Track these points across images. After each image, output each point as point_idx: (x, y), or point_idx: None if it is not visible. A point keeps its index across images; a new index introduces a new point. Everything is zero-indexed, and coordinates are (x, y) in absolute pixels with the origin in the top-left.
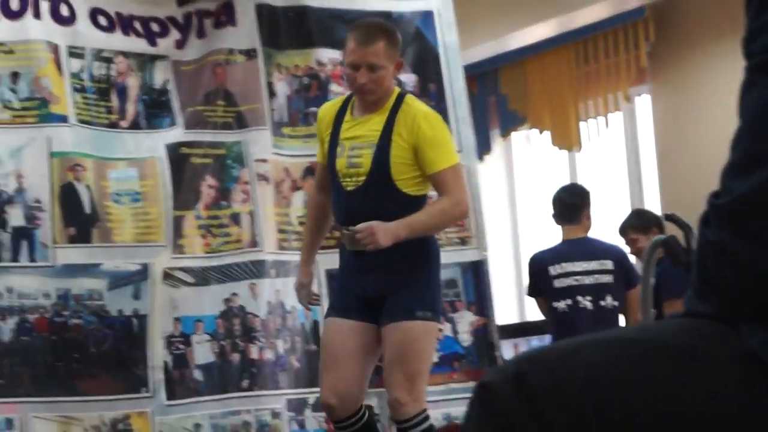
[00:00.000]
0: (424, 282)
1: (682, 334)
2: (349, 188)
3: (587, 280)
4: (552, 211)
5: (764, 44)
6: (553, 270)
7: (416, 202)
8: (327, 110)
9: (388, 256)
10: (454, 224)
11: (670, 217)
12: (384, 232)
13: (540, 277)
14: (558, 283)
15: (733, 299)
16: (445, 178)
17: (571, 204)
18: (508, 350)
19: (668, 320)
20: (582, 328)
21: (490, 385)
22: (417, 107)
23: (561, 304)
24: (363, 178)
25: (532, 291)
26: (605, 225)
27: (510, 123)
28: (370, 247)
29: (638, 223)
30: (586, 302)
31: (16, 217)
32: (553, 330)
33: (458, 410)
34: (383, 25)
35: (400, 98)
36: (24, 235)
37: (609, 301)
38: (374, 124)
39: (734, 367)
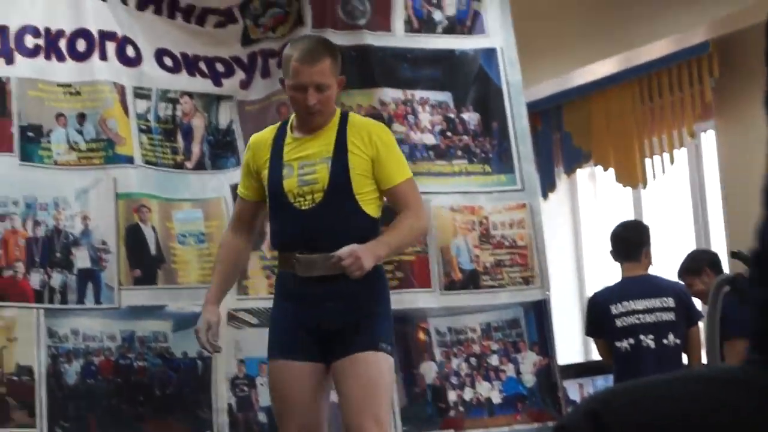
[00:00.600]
0: (383, 312)
1: (753, 374)
2: (303, 208)
3: (649, 318)
4: (610, 248)
5: None
6: (615, 309)
7: (374, 224)
8: (261, 138)
9: (346, 284)
10: (417, 242)
11: (736, 255)
12: (368, 254)
13: (601, 317)
14: (620, 322)
15: None
16: (405, 192)
17: (631, 241)
18: (572, 390)
19: (735, 363)
20: (645, 367)
21: (568, 428)
22: (367, 121)
23: (623, 344)
24: (320, 194)
25: (592, 331)
26: (671, 263)
27: (574, 160)
28: (357, 274)
29: (690, 266)
30: (648, 341)
31: (81, 258)
32: (616, 370)
33: None
34: (324, 41)
35: (345, 115)
36: (90, 276)
37: (671, 338)
38: (324, 141)
39: None
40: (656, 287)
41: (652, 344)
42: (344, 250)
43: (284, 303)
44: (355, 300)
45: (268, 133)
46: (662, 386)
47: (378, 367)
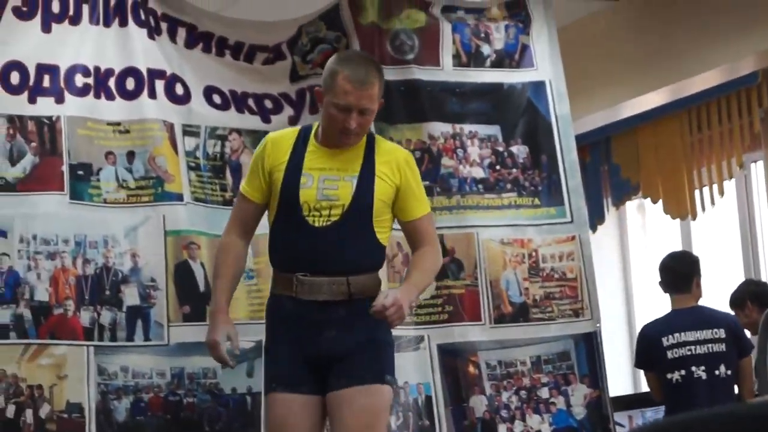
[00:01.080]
0: (388, 341)
1: None
2: (317, 225)
3: (700, 349)
4: (660, 279)
5: None
6: (666, 341)
7: (383, 254)
8: (280, 137)
9: (347, 310)
10: None
11: None
12: (406, 302)
13: (651, 349)
14: (671, 354)
15: None
16: (426, 227)
17: (680, 272)
18: (622, 422)
19: None
20: (697, 399)
21: None
22: (395, 147)
23: (675, 375)
24: (338, 213)
25: (643, 364)
26: (720, 295)
27: (623, 192)
28: (398, 323)
29: (733, 298)
30: (700, 372)
31: (131, 296)
32: (667, 402)
33: None
34: (375, 63)
35: (371, 136)
36: (139, 314)
37: (722, 370)
38: (350, 158)
39: None
40: (707, 318)
41: (703, 375)
42: (389, 299)
43: (280, 328)
44: (357, 327)
45: (290, 134)
46: (713, 422)
47: (382, 400)
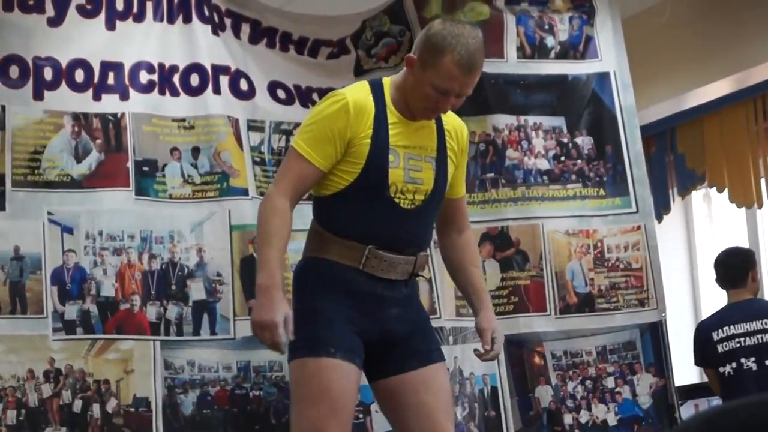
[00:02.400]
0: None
1: None
2: (404, 206)
3: (749, 341)
4: (716, 276)
5: None
6: (716, 335)
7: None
8: (361, 102)
9: (405, 288)
10: None
11: None
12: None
13: (705, 345)
14: (721, 348)
15: None
16: (465, 206)
17: (735, 267)
18: (688, 412)
19: None
20: (748, 391)
21: None
22: (455, 117)
23: (727, 368)
24: (422, 197)
25: (700, 361)
26: None
27: (688, 181)
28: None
29: None
30: (750, 363)
31: (197, 290)
32: (722, 395)
33: None
34: (481, 38)
35: None
36: (205, 308)
37: None
38: (427, 133)
39: None
40: (758, 310)
41: (754, 367)
42: (498, 345)
43: (338, 295)
44: (414, 306)
45: (366, 97)
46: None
47: (449, 377)
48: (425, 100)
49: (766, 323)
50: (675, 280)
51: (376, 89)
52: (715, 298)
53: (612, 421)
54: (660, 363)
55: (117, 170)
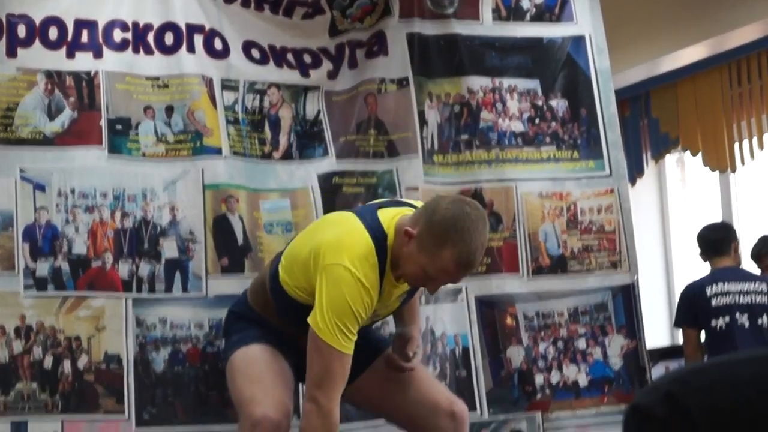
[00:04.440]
0: None
1: None
2: None
3: (744, 299)
4: (700, 250)
5: None
6: (710, 290)
7: None
8: (374, 286)
9: None
10: None
11: None
12: None
13: (696, 301)
14: (715, 302)
15: None
16: None
17: (718, 240)
18: (659, 374)
19: None
20: (740, 346)
21: (644, 407)
22: None
23: (719, 322)
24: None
25: (685, 319)
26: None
27: (662, 145)
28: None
29: (755, 252)
30: (743, 320)
31: (169, 249)
32: (711, 350)
33: None
34: (486, 227)
35: None
36: (177, 266)
37: (765, 320)
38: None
39: None
40: (749, 275)
41: (746, 323)
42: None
43: (261, 329)
44: None
45: (375, 279)
46: (743, 366)
47: None
48: (412, 277)
49: (758, 286)
50: (647, 243)
51: (381, 261)
52: (686, 262)
53: (583, 381)
54: (631, 325)
55: (90, 128)
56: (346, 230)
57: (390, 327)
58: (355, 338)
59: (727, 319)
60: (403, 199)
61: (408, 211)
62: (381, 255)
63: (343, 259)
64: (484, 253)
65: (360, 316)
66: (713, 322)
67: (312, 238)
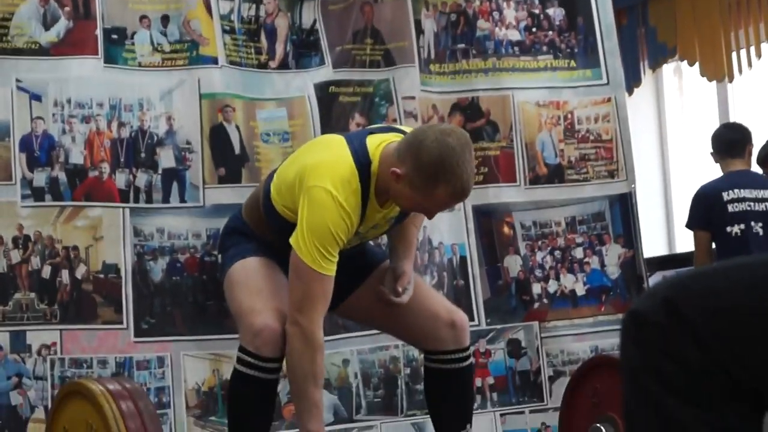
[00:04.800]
0: None
1: None
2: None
3: (758, 207)
4: (713, 149)
5: None
6: (727, 195)
7: None
8: (355, 209)
9: None
10: None
11: None
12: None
13: (712, 205)
14: (732, 208)
15: None
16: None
17: (736, 140)
18: (656, 282)
19: None
20: (753, 252)
21: (642, 313)
22: None
23: (735, 228)
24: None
25: (700, 221)
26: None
27: (659, 55)
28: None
29: (761, 157)
30: (758, 228)
31: (166, 158)
32: (723, 255)
33: (606, 342)
34: (472, 152)
35: None
36: (174, 176)
37: None
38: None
39: None
40: (763, 180)
41: (761, 231)
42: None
43: (253, 238)
44: None
45: (357, 203)
46: (742, 271)
47: None
48: (409, 209)
49: None
50: (644, 152)
51: (364, 185)
52: (684, 171)
53: (580, 290)
54: (629, 234)
55: (85, 38)
56: (331, 154)
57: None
58: (335, 260)
59: (743, 226)
60: (395, 126)
61: (396, 138)
62: (364, 180)
63: (326, 182)
64: (482, 162)
65: (340, 238)
66: (728, 228)
67: (300, 159)
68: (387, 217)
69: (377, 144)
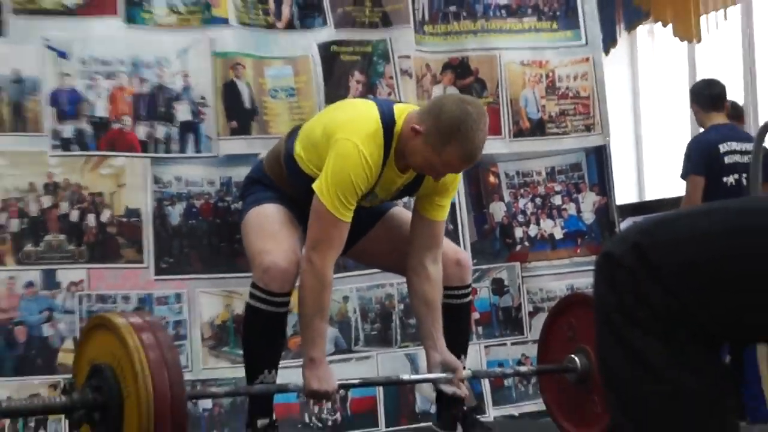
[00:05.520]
0: None
1: None
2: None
3: (743, 159)
4: (694, 101)
5: None
6: (722, 148)
7: None
8: (377, 164)
9: None
10: None
11: None
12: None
13: (710, 154)
14: (728, 160)
15: None
16: (442, 232)
17: (718, 94)
18: (627, 227)
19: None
20: None
21: (614, 255)
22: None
23: (730, 179)
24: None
25: (698, 167)
26: None
27: (634, 17)
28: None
29: (734, 111)
30: (743, 179)
31: (183, 112)
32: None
33: (581, 281)
34: (487, 122)
35: None
36: (190, 128)
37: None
38: (408, 177)
39: None
40: (745, 135)
41: (745, 182)
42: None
43: (272, 188)
44: None
45: (379, 159)
46: (703, 221)
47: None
48: (419, 167)
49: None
50: (619, 108)
51: (387, 144)
52: (654, 126)
53: (558, 234)
54: (603, 183)
55: None
56: (360, 112)
57: None
58: (353, 208)
59: (736, 176)
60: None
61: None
62: (387, 138)
63: (353, 136)
64: None
65: (360, 188)
66: (724, 178)
67: (327, 118)
68: (399, 185)
69: (403, 108)
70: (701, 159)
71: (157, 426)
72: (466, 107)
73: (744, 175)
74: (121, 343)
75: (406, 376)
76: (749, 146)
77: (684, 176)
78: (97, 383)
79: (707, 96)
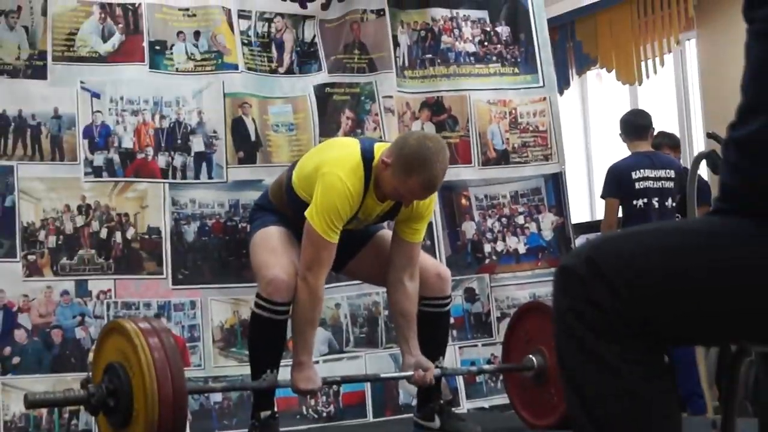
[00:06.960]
0: None
1: (720, 219)
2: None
3: (656, 184)
4: (621, 131)
5: (764, 14)
6: (635, 174)
7: None
8: (358, 195)
9: None
10: None
11: (711, 136)
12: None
13: (622, 179)
14: (638, 185)
15: (744, 200)
16: (418, 253)
17: (642, 124)
18: (581, 242)
19: (702, 217)
20: (651, 221)
21: (570, 268)
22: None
23: (639, 202)
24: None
25: (612, 192)
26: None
27: (584, 63)
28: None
29: (671, 141)
30: (654, 202)
31: (197, 144)
32: (627, 222)
33: (542, 290)
34: (446, 154)
35: None
36: (203, 158)
37: (670, 202)
38: (386, 205)
39: (747, 225)
40: (662, 161)
41: (656, 205)
42: (430, 375)
43: (275, 213)
44: None
45: (360, 191)
46: (646, 238)
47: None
48: (390, 194)
49: (668, 173)
50: (572, 140)
51: (367, 176)
52: (603, 155)
53: (522, 249)
54: (560, 205)
55: (135, 48)
56: (345, 152)
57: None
58: (339, 231)
59: (645, 200)
60: None
61: None
62: (367, 171)
63: (338, 170)
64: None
65: (345, 214)
66: (634, 201)
67: (318, 155)
68: (379, 212)
69: (381, 146)
70: (615, 184)
71: (161, 414)
72: (426, 143)
73: (655, 198)
74: (131, 344)
75: (383, 374)
76: (664, 173)
77: (603, 197)
78: (110, 378)
79: (632, 125)
